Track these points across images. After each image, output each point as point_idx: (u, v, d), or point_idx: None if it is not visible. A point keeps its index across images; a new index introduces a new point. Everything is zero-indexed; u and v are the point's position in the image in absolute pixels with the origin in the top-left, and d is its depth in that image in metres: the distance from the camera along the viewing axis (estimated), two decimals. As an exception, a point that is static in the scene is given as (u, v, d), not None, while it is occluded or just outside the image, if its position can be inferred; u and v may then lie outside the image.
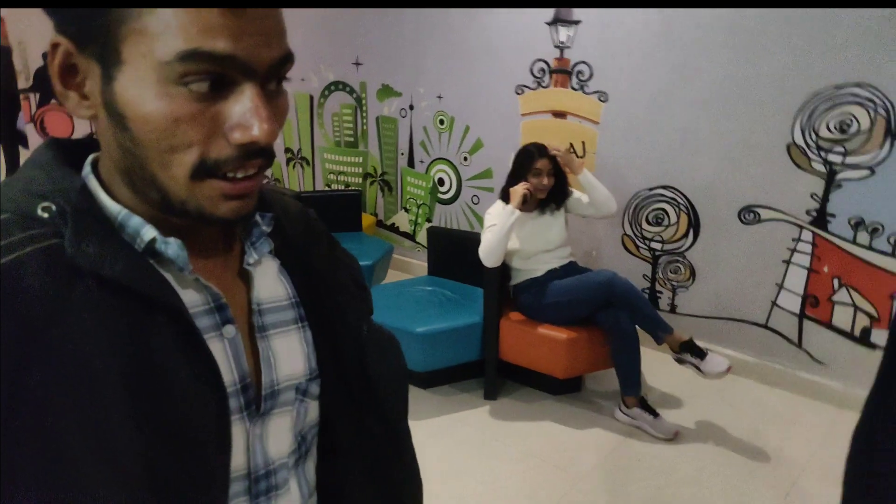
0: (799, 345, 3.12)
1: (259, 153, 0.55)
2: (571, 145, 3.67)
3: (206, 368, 0.58)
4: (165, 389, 0.55)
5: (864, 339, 2.93)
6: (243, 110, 0.53)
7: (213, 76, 0.51)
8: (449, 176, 4.34)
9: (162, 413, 0.54)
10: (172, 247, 0.57)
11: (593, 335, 2.91)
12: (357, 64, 4.62)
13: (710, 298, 3.38)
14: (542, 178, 2.94)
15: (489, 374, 3.09)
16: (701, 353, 2.74)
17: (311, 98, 4.99)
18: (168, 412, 0.55)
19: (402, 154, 4.57)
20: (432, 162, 4.41)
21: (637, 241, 3.56)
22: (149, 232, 0.57)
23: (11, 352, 0.49)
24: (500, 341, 3.04)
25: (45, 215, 0.54)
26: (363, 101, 4.68)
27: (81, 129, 5.24)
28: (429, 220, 4.50)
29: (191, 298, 0.60)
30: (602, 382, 3.25)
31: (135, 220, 0.57)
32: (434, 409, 3.03)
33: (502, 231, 2.84)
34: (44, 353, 0.49)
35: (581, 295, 2.87)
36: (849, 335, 2.97)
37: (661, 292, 3.54)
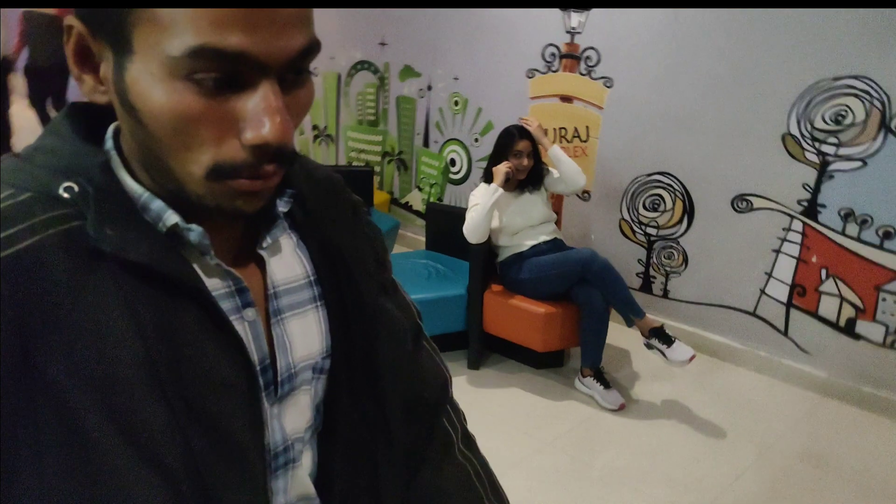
0: (785, 333, 3.12)
1: (273, 156, 0.52)
2: (576, 129, 3.73)
3: (233, 348, 0.57)
4: (193, 371, 0.54)
5: (849, 329, 2.92)
6: (256, 108, 0.50)
7: (224, 73, 0.49)
8: (460, 156, 4.44)
9: (191, 394, 0.53)
10: (195, 233, 0.56)
11: (570, 311, 2.98)
12: (382, 44, 4.75)
13: (702, 285, 3.39)
14: (522, 158, 3.05)
15: (473, 345, 3.18)
16: (669, 341, 2.79)
17: (339, 77, 5.14)
18: (197, 393, 0.54)
19: (419, 134, 4.69)
20: (446, 142, 4.51)
21: (634, 226, 3.59)
22: (171, 217, 0.55)
23: (34, 336, 0.48)
24: (484, 314, 3.13)
25: (67, 195, 0.53)
26: (386, 81, 4.81)
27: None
28: (440, 200, 4.61)
29: (212, 282, 0.59)
30: (586, 360, 3.32)
31: (157, 204, 0.56)
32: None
33: (485, 208, 2.93)
34: (66, 337, 0.49)
35: (559, 270, 2.94)
36: (834, 325, 2.96)
37: (654, 277, 3.57)
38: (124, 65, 0.50)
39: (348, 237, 0.72)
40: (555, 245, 3.13)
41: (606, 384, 2.93)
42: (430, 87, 4.52)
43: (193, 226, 0.56)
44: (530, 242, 3.09)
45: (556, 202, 3.88)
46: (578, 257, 2.93)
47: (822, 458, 2.58)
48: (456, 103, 4.37)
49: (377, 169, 5.04)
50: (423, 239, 4.76)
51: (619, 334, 3.31)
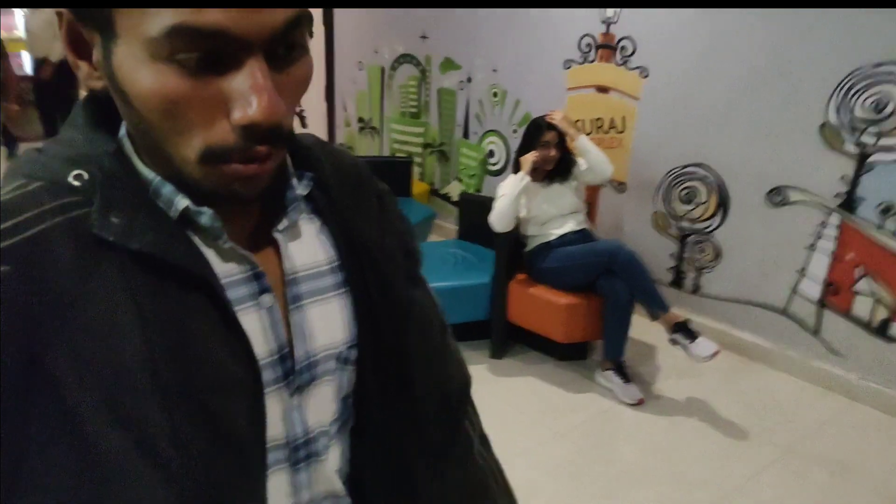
0: (816, 333, 3.01)
1: (265, 137, 0.50)
2: (613, 120, 3.68)
3: (236, 341, 0.56)
4: (194, 364, 0.53)
5: (882, 331, 2.79)
6: (242, 87, 0.48)
7: (206, 52, 0.47)
8: (499, 147, 4.44)
9: (192, 388, 0.52)
10: (206, 216, 0.55)
11: (594, 303, 2.95)
12: (424, 37, 4.80)
13: (733, 281, 3.30)
14: (549, 149, 3.04)
15: (496, 334, 3.20)
16: (692, 336, 2.73)
17: (383, 70, 5.22)
18: (198, 387, 0.53)
19: (459, 125, 4.71)
20: (485, 133, 4.52)
21: (668, 219, 3.52)
22: (182, 201, 0.54)
23: (38, 327, 0.48)
24: (508, 303, 3.14)
25: (77, 183, 0.52)
26: (427, 74, 4.85)
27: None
28: (478, 191, 4.63)
29: (227, 268, 0.58)
30: (611, 354, 3.28)
31: (168, 189, 0.55)
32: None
33: (512, 196, 2.94)
34: (70, 329, 0.48)
35: (585, 260, 2.92)
36: (867, 326, 2.84)
37: (685, 273, 3.49)
38: (111, 49, 0.49)
39: (374, 225, 0.70)
40: (583, 236, 3.11)
41: (626, 378, 2.90)
42: (469, 80, 4.53)
43: (204, 209, 0.55)
44: (558, 232, 3.08)
45: (592, 193, 3.85)
46: (605, 247, 2.91)
47: (844, 463, 2.48)
48: (495, 95, 4.38)
49: (418, 160, 5.09)
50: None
51: (646, 329, 3.25)
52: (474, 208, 3.70)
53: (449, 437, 0.79)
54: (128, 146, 0.57)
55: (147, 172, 0.55)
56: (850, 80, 2.74)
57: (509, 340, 3.30)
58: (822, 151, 2.87)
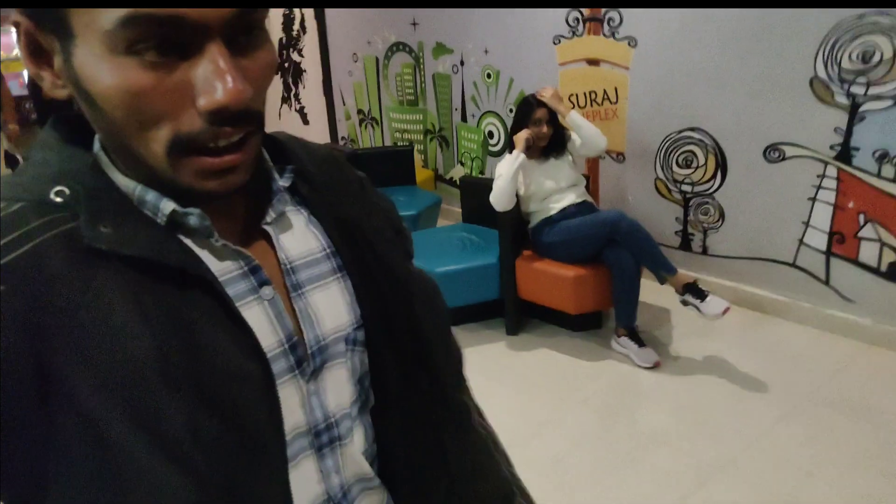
0: (827, 282, 3.06)
1: (234, 120, 0.50)
2: (605, 92, 3.72)
3: (242, 335, 0.56)
4: (204, 360, 0.53)
5: (891, 274, 2.84)
6: (205, 73, 0.48)
7: (163, 40, 0.47)
8: (497, 128, 4.49)
9: (203, 384, 0.52)
10: (194, 217, 0.56)
11: (601, 273, 3.01)
12: (414, 24, 4.84)
13: (739, 239, 3.36)
14: (541, 126, 3.10)
15: (509, 311, 3.28)
16: (702, 295, 2.79)
17: (377, 60, 5.26)
18: (210, 382, 0.53)
19: (456, 109, 4.76)
20: (482, 115, 4.57)
21: (669, 184, 3.57)
22: (168, 205, 0.55)
23: (43, 338, 0.48)
24: (518, 280, 3.21)
25: (60, 199, 0.52)
26: (421, 60, 4.90)
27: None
28: (481, 173, 4.68)
29: (223, 265, 0.58)
30: (624, 321, 3.36)
31: (152, 195, 0.55)
32: (459, 342, 3.28)
33: (509, 175, 3.01)
34: (73, 336, 0.49)
35: (587, 232, 2.98)
36: (876, 271, 2.88)
37: (692, 235, 3.55)
38: (70, 51, 0.49)
39: (361, 209, 0.72)
40: (584, 208, 3.17)
41: (641, 342, 2.97)
42: (462, 63, 4.57)
43: (192, 209, 0.55)
44: (558, 206, 3.14)
45: (592, 166, 3.90)
46: (606, 219, 2.97)
47: (865, 405, 2.54)
48: (488, 76, 4.42)
49: (420, 147, 5.15)
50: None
51: (658, 293, 3.32)
52: (475, 190, 3.76)
53: (466, 403, 0.81)
54: (104, 159, 0.57)
55: (127, 183, 0.56)
56: (835, 33, 2.77)
57: (524, 316, 3.38)
58: (814, 105, 2.90)
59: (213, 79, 0.48)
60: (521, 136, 3.06)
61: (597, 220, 2.99)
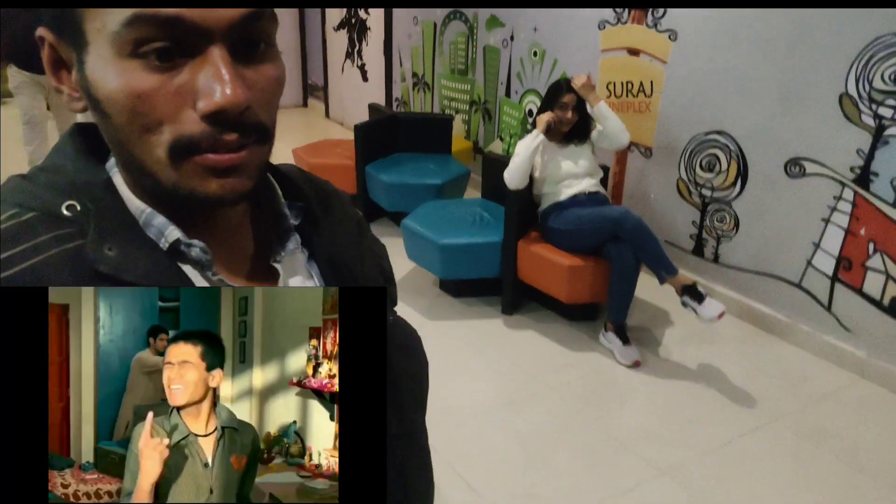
0: (828, 308, 2.98)
1: (233, 124, 0.51)
2: (642, 84, 3.66)
3: None
4: None
5: (892, 310, 2.75)
6: (206, 76, 0.50)
7: (166, 43, 0.48)
8: (536, 107, 4.48)
9: None
10: (195, 250, 0.57)
11: (600, 266, 3.03)
12: (472, -7, 4.84)
13: (750, 251, 3.29)
14: (566, 111, 3.09)
15: (506, 291, 3.34)
16: (700, 298, 2.77)
17: (435, 25, 5.30)
18: None
19: (502, 83, 4.77)
20: (525, 92, 4.57)
21: (690, 185, 3.52)
22: (173, 233, 0.56)
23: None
24: (518, 262, 3.26)
25: (70, 214, 0.53)
26: (475, 31, 4.90)
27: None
28: (518, 150, 4.69)
29: None
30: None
31: (159, 220, 0.56)
32: (455, 314, 3.38)
33: (526, 153, 3.04)
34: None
35: (592, 225, 3.00)
36: (878, 304, 2.80)
37: (706, 241, 3.49)
38: (84, 59, 0.51)
39: (356, 252, 0.73)
40: (594, 198, 3.17)
41: (626, 340, 2.99)
42: (512, 38, 4.56)
43: (195, 241, 0.57)
44: (570, 192, 3.15)
45: (621, 158, 3.87)
46: (611, 214, 2.97)
47: (834, 435, 2.51)
48: (535, 54, 4.40)
49: (464, 118, 5.19)
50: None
51: (660, 294, 3.32)
52: (496, 167, 3.79)
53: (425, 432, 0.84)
54: (118, 177, 0.58)
55: (137, 203, 0.57)
56: (872, 48, 2.65)
57: (523, 298, 3.43)
58: (840, 122, 2.80)
59: (212, 82, 0.49)
60: (543, 118, 3.07)
61: (602, 215, 3.00)
